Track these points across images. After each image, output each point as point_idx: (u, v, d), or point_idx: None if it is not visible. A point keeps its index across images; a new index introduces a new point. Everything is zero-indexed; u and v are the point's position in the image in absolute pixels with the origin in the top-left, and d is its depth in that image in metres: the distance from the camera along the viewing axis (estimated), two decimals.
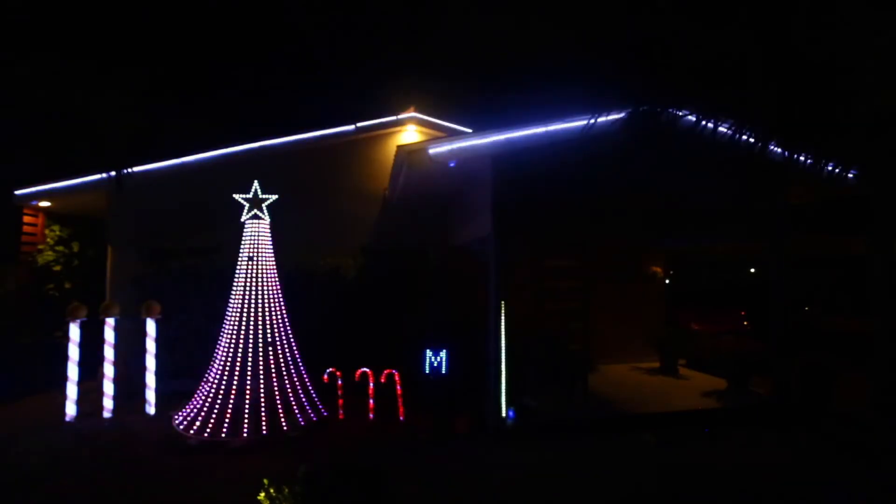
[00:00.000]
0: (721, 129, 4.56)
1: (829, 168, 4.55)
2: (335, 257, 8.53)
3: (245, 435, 5.80)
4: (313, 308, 7.87)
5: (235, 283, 6.51)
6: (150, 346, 7.09)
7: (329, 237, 9.01)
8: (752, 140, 4.37)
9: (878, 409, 4.22)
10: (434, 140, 6.71)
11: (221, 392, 6.09)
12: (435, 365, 7.26)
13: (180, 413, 6.43)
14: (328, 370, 6.80)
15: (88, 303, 6.98)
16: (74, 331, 6.68)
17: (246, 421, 5.90)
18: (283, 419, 6.10)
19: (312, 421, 6.39)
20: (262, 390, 6.13)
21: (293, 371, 6.60)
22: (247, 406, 5.99)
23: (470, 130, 8.54)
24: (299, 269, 8.04)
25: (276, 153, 9.08)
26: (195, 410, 6.20)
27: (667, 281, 11.03)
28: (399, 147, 7.06)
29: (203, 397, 6.26)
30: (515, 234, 6.33)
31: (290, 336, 6.77)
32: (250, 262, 6.45)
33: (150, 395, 7.01)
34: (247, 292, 6.38)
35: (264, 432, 5.87)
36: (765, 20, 3.83)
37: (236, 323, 6.31)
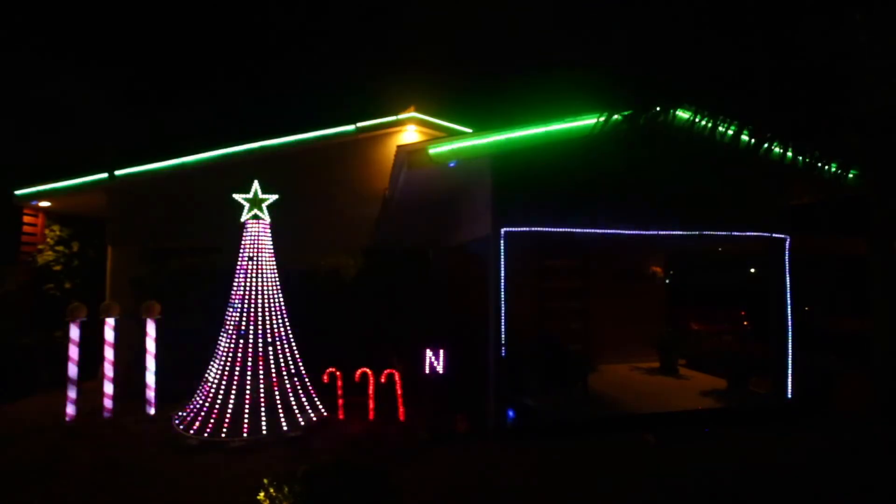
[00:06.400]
0: (722, 128, 4.56)
1: (830, 168, 4.55)
2: (335, 257, 8.52)
3: (245, 435, 5.80)
4: (313, 308, 7.87)
5: (235, 283, 6.51)
6: (150, 346, 7.09)
7: (329, 237, 9.01)
8: (754, 140, 4.37)
9: (878, 409, 4.22)
10: (434, 140, 6.70)
11: (221, 392, 6.10)
12: (435, 365, 7.26)
13: (180, 413, 6.44)
14: (328, 370, 6.80)
15: (88, 303, 6.98)
16: (74, 331, 6.68)
17: (246, 421, 5.90)
18: (282, 419, 6.10)
19: (312, 421, 6.39)
20: (262, 390, 6.13)
21: (293, 371, 6.60)
22: (247, 406, 5.99)
23: (470, 130, 8.55)
24: (299, 270, 8.04)
25: (276, 153, 9.08)
26: (195, 410, 6.20)
27: (667, 281, 11.04)
28: (399, 147, 7.05)
29: (203, 397, 6.27)
30: (515, 233, 6.32)
31: (290, 336, 6.78)
32: (250, 262, 6.45)
33: (150, 395, 7.00)
34: (247, 292, 6.38)
35: (264, 432, 5.88)
36: (770, 21, 3.83)
37: (236, 323, 6.32)
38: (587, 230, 6.56)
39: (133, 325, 7.37)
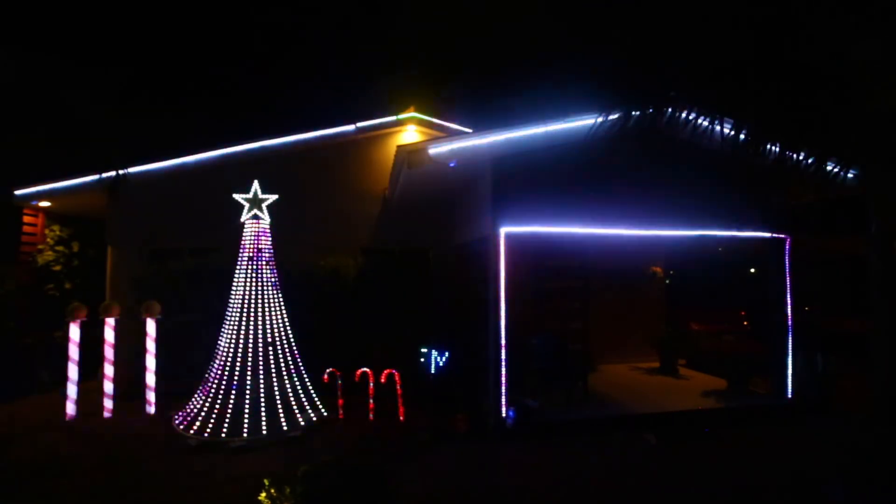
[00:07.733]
0: (720, 128, 4.55)
1: (829, 168, 4.55)
2: (335, 257, 8.53)
3: (245, 435, 5.80)
4: (313, 308, 7.87)
5: (235, 283, 6.51)
6: (150, 346, 7.09)
7: (329, 237, 9.01)
8: (752, 139, 4.37)
9: (877, 409, 4.22)
10: (434, 140, 6.71)
11: (221, 392, 6.09)
12: (435, 365, 7.26)
13: (180, 413, 6.44)
14: (328, 370, 6.80)
15: (88, 303, 6.98)
16: (74, 331, 6.68)
17: (246, 421, 5.90)
18: (282, 419, 6.10)
19: (312, 421, 6.39)
20: (261, 390, 6.13)
21: (293, 371, 6.60)
22: (247, 406, 5.99)
23: (470, 130, 8.54)
24: (299, 270, 8.04)
25: (276, 153, 9.08)
26: (195, 410, 6.20)
27: (667, 281, 11.03)
28: (399, 147, 7.06)
29: (203, 397, 6.27)
30: (515, 233, 6.33)
31: (290, 336, 6.77)
32: (250, 262, 6.45)
33: (150, 395, 7.00)
34: (246, 292, 6.38)
35: (264, 432, 5.88)
36: (766, 20, 3.83)
37: (236, 323, 6.32)
38: (587, 230, 6.57)
39: (133, 325, 7.37)
